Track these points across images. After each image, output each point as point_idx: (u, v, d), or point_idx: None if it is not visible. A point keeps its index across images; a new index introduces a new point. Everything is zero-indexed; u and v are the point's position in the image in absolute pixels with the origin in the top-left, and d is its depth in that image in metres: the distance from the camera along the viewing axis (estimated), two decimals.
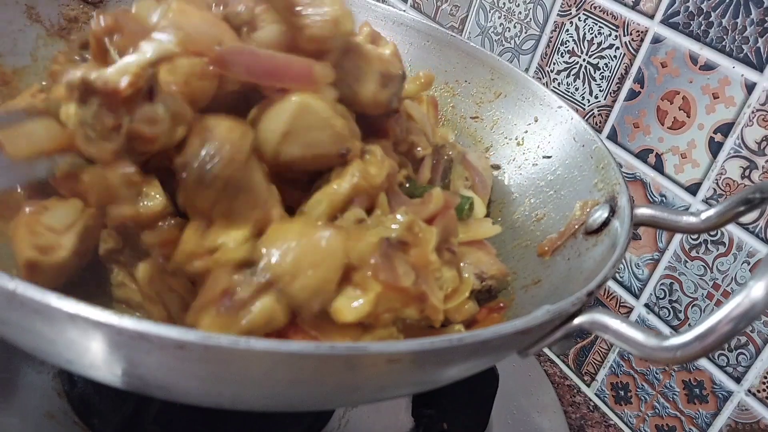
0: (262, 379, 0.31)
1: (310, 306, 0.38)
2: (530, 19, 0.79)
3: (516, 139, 0.63)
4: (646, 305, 0.69)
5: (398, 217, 0.43)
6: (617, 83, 0.69)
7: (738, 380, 0.62)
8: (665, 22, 0.64)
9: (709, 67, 0.61)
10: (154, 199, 0.40)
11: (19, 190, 0.43)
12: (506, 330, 0.34)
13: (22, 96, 0.53)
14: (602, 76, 0.71)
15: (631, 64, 0.68)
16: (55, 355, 0.33)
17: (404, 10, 0.96)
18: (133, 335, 0.28)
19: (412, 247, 0.42)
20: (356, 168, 0.44)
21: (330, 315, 0.39)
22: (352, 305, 0.38)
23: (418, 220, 0.43)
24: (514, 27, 0.81)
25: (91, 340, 0.29)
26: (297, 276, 0.37)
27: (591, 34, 0.72)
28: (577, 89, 0.74)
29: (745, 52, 0.58)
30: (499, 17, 0.83)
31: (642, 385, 0.70)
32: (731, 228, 0.61)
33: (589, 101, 0.73)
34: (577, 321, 0.38)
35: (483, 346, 0.33)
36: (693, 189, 0.64)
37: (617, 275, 0.72)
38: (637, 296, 0.70)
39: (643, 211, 0.49)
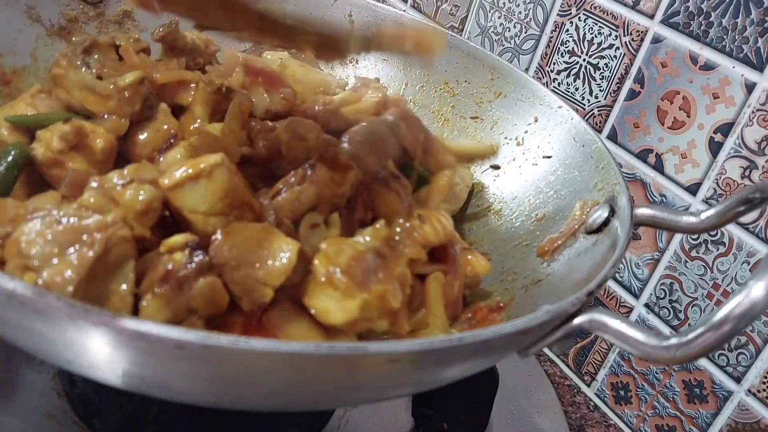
0: (262, 379, 0.31)
1: (241, 301, 0.39)
2: (530, 19, 0.79)
3: (516, 139, 0.63)
4: (646, 305, 0.69)
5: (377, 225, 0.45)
6: (617, 83, 0.69)
7: (738, 380, 0.62)
8: (665, 22, 0.64)
9: (709, 67, 0.61)
10: None
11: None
12: (506, 330, 0.34)
13: (22, 96, 0.53)
14: (602, 76, 0.71)
15: (631, 64, 0.68)
16: (55, 355, 0.33)
17: (404, 10, 0.96)
18: (133, 335, 0.28)
19: (390, 259, 0.43)
20: (320, 175, 0.45)
21: (315, 316, 0.40)
22: (340, 308, 0.39)
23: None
24: (514, 27, 0.81)
25: (91, 340, 0.29)
26: (238, 269, 0.38)
27: (591, 34, 0.72)
28: (577, 89, 0.74)
29: (745, 52, 0.58)
30: (499, 17, 0.83)
31: (642, 385, 0.70)
32: (731, 228, 0.61)
33: (589, 101, 0.73)
34: (577, 321, 0.38)
35: (483, 346, 0.33)
36: (693, 189, 0.64)
37: (617, 275, 0.71)
38: (637, 296, 0.70)
39: (643, 211, 0.49)
